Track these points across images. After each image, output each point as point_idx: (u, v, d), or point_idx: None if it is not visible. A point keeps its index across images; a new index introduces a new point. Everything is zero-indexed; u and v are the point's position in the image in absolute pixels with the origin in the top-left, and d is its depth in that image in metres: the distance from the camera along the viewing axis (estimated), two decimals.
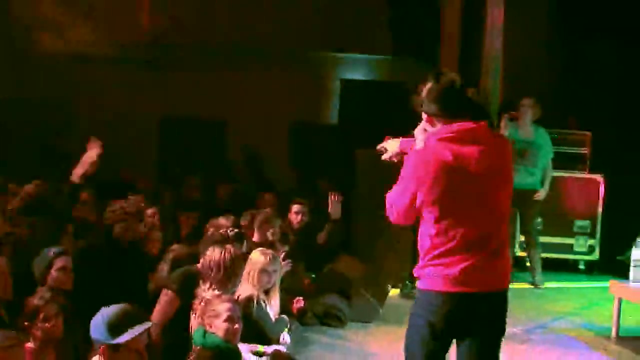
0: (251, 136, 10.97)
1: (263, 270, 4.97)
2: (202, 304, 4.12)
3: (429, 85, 3.29)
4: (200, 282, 4.45)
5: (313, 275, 6.70)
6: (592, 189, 8.65)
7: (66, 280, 4.42)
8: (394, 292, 7.35)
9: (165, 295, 4.54)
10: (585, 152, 8.79)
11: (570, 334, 6.29)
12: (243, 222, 6.32)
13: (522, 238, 8.23)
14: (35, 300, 3.81)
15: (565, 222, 8.65)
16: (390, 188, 3.40)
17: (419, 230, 3.35)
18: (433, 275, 3.25)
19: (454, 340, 3.39)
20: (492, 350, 3.39)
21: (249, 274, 4.93)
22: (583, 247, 8.70)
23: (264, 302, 4.94)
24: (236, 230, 5.33)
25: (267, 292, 5.04)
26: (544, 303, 7.31)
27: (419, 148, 3.34)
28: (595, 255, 8.71)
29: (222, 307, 4.02)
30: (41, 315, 3.75)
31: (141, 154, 11.19)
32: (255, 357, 4.54)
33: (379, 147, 3.74)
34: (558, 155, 8.41)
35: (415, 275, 3.37)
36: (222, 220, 5.86)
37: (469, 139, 3.21)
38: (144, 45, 11.49)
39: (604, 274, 8.26)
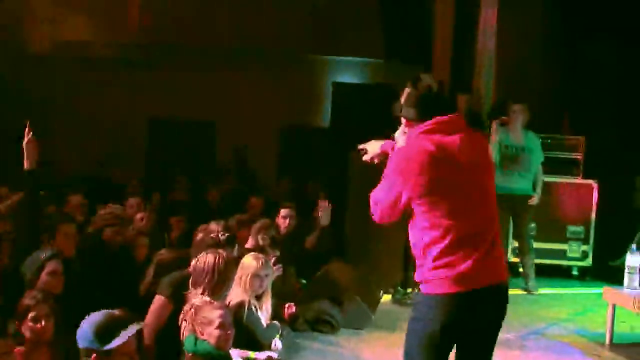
0: (241, 138, 10.97)
1: (255, 275, 4.99)
2: (192, 310, 4.12)
3: (406, 90, 3.43)
4: (192, 287, 4.45)
5: (304, 281, 6.71)
6: (585, 194, 8.69)
7: (56, 284, 4.40)
8: (386, 297, 7.34)
9: (159, 300, 4.55)
10: (579, 157, 8.83)
11: (563, 340, 6.31)
12: (231, 223, 6.33)
13: (515, 244, 8.28)
14: (26, 300, 3.80)
15: (558, 228, 8.69)
16: (382, 173, 3.45)
17: (412, 231, 3.38)
18: (440, 277, 3.27)
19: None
20: (492, 347, 3.46)
21: (240, 278, 4.95)
22: (576, 253, 8.75)
23: (256, 307, 4.95)
24: (228, 234, 5.33)
25: (259, 298, 5.06)
26: (537, 309, 7.33)
27: (402, 145, 3.45)
28: (589, 261, 8.75)
29: (214, 314, 4.01)
30: (31, 315, 3.75)
31: (129, 155, 11.18)
32: None
33: (359, 147, 3.82)
34: (551, 160, 8.46)
35: (418, 280, 3.38)
36: (212, 225, 5.87)
37: (449, 129, 3.34)
38: (132, 45, 11.48)
39: (597, 280, 8.30)
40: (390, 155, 3.48)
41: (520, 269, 8.25)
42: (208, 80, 11.21)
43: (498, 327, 3.45)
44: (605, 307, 6.29)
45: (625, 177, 8.96)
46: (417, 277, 3.39)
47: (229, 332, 4.02)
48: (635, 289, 6.04)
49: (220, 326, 3.99)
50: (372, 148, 3.72)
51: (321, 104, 11.63)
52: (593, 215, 8.68)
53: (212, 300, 4.22)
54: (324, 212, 6.89)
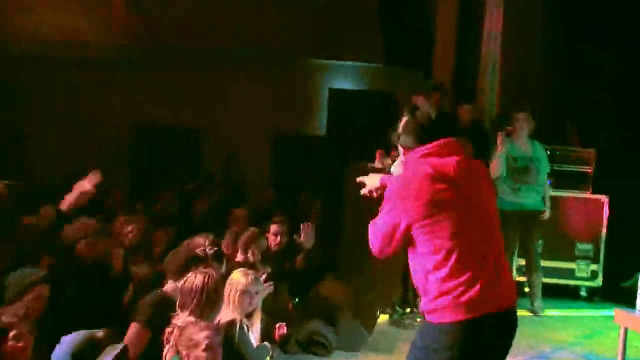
0: (229, 146, 10.89)
1: (245, 292, 4.97)
2: (176, 331, 4.10)
3: (405, 119, 3.63)
4: (178, 309, 4.40)
5: (296, 299, 6.70)
6: (595, 210, 8.69)
7: (39, 308, 4.37)
8: (383, 317, 7.34)
9: (134, 328, 4.49)
10: (589, 170, 8.83)
11: None
12: (225, 241, 6.31)
13: (521, 262, 8.28)
14: (6, 318, 3.79)
15: (566, 246, 8.69)
16: (380, 205, 3.56)
17: (413, 260, 3.49)
18: (447, 305, 3.34)
19: None
20: None
21: (229, 295, 4.93)
22: (585, 272, 8.74)
23: (247, 326, 4.94)
24: (215, 248, 5.31)
25: (248, 316, 5.04)
26: (543, 331, 7.34)
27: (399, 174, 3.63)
28: (598, 282, 8.74)
29: (201, 335, 4.00)
30: (13, 334, 3.73)
31: (110, 163, 11.11)
32: None
33: (358, 179, 3.96)
34: (559, 174, 8.48)
35: (425, 310, 3.44)
36: (199, 239, 5.84)
37: (446, 152, 3.51)
38: (114, 44, 11.42)
39: (607, 301, 8.32)
40: (390, 183, 3.61)
41: (526, 289, 8.25)
42: (194, 83, 11.12)
43: (506, 352, 3.50)
44: (614, 330, 6.25)
45: (638, 191, 8.95)
46: (422, 307, 3.46)
47: (217, 353, 4.01)
48: None
49: (208, 348, 3.97)
50: (371, 181, 3.84)
51: (317, 111, 11.63)
52: (603, 232, 8.68)
53: (198, 321, 4.19)
54: (306, 234, 6.86)
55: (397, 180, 3.58)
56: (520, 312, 7.67)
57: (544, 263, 8.37)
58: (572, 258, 8.73)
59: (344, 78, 11.68)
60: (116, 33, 11.43)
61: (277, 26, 11.36)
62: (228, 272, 5.20)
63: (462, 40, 9.89)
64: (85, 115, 11.08)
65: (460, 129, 8.01)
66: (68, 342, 3.30)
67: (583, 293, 8.90)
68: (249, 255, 6.18)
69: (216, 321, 4.61)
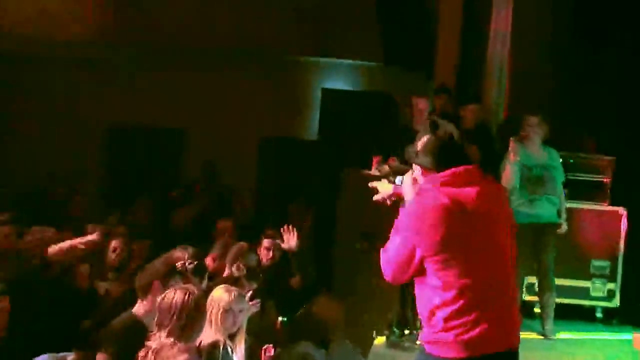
0: (214, 151, 10.88)
1: (227, 310, 4.89)
2: (150, 355, 4.00)
3: (425, 137, 3.71)
4: (156, 328, 4.29)
5: (285, 319, 6.63)
6: (612, 223, 8.59)
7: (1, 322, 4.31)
8: (379, 339, 7.27)
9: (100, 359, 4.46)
10: (606, 180, 8.76)
11: None
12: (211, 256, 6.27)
13: (532, 279, 8.18)
14: None
15: (580, 262, 8.58)
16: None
17: (420, 289, 3.62)
18: (449, 341, 3.49)
19: None
20: None
21: (210, 314, 4.84)
22: (601, 291, 8.65)
23: (231, 348, 4.86)
24: (196, 262, 5.26)
25: (232, 337, 4.95)
26: (555, 356, 7.30)
27: (415, 197, 3.67)
28: (616, 302, 8.64)
29: (179, 359, 3.91)
30: None
31: (84, 167, 11.10)
32: None
33: (370, 184, 4.06)
34: (573, 183, 8.41)
35: (426, 340, 3.59)
36: (177, 252, 5.78)
37: (464, 182, 3.59)
38: (89, 42, 11.44)
39: (625, 324, 8.28)
40: (403, 206, 3.71)
41: (537, 309, 8.18)
42: (176, 83, 11.17)
43: None
44: (634, 355, 6.30)
45: None
46: (423, 336, 3.62)
47: None
48: None
49: None
50: (384, 188, 3.95)
51: (308, 113, 11.61)
52: (621, 248, 8.58)
53: (175, 342, 4.10)
54: (288, 239, 6.83)
55: (412, 208, 3.62)
56: (530, 335, 7.74)
57: (557, 282, 8.24)
58: (587, 276, 8.62)
59: (338, 77, 11.74)
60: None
61: (264, 24, 11.39)
62: (211, 289, 5.12)
63: (466, 40, 9.91)
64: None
65: (466, 129, 7.95)
66: None
67: (599, 314, 8.79)
68: (234, 269, 6.12)
69: (197, 343, 4.52)
